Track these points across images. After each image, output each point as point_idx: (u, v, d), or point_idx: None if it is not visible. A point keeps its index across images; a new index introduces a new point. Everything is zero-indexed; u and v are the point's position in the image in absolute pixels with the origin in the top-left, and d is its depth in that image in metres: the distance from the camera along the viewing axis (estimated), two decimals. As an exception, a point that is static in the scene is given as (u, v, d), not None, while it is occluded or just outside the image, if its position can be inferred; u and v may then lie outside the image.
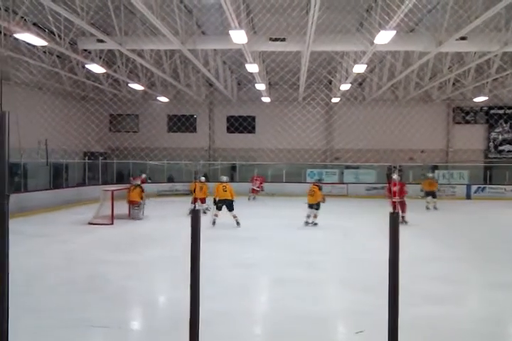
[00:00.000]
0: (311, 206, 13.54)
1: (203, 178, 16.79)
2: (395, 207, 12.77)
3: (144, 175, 19.95)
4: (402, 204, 13.58)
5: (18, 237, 9.50)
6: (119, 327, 5.27)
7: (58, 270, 7.96)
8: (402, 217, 13.25)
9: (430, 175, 19.63)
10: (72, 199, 18.56)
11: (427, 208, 18.29)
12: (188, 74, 23.38)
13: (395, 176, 14.44)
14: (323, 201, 13.54)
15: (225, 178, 14.06)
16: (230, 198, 13.19)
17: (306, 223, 13.62)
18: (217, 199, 13.32)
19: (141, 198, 14.98)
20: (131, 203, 14.93)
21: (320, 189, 13.63)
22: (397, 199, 13.01)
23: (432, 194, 18.37)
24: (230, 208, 13.23)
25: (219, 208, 13.27)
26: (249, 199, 21.87)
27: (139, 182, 15.39)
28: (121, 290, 6.80)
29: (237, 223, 13.24)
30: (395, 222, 3.32)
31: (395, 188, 13.77)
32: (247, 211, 15.35)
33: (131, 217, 14.82)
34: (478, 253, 9.78)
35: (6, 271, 3.44)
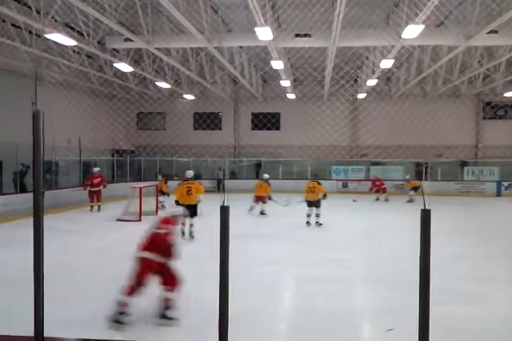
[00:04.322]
0: (310, 204, 12.86)
1: (266, 176, 16.23)
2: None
3: (96, 169, 17.07)
4: None
5: (51, 233, 9.69)
6: (150, 321, 5.36)
7: (91, 265, 8.13)
8: None
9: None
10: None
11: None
12: (213, 71, 23.48)
13: None
14: (325, 197, 12.79)
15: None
16: (193, 203, 10.79)
17: (308, 223, 12.90)
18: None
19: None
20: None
21: (319, 184, 13.01)
22: None
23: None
24: (193, 214, 10.67)
25: (191, 215, 10.46)
26: (378, 199, 21.30)
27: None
28: (150, 286, 6.88)
29: (191, 234, 10.63)
30: (426, 219, 3.26)
31: None
32: (268, 208, 15.35)
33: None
34: (507, 252, 9.55)
35: (41, 266, 3.54)
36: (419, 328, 3.20)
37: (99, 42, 15.95)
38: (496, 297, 6.60)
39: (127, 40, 15.41)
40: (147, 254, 5.37)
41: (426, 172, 24.88)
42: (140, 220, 13.68)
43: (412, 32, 12.26)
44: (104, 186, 16.77)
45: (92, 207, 16.35)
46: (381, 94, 26.69)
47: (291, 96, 25.70)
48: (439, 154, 26.68)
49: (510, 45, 16.08)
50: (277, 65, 17.19)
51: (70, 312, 5.54)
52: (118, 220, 13.78)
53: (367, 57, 19.55)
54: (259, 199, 15.20)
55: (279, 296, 6.67)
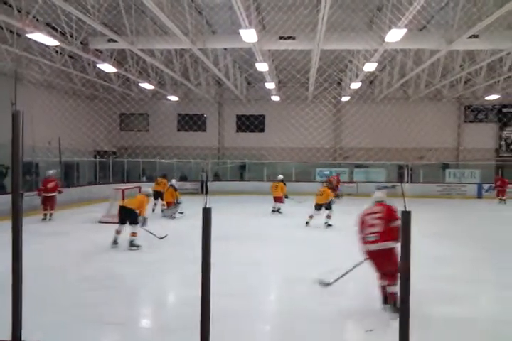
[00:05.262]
0: (319, 207, 13.15)
1: (280, 176, 16.32)
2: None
3: (51, 172, 14.84)
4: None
5: (32, 235, 9.56)
6: (132, 323, 5.32)
7: (73, 267, 8.03)
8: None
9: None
10: (83, 198, 18.68)
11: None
12: (197, 73, 23.43)
13: None
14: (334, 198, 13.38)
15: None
16: (131, 207, 9.78)
17: (307, 223, 13.19)
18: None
19: (175, 198, 15.12)
20: (167, 204, 15.01)
21: (329, 189, 13.59)
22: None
23: None
24: (132, 221, 9.71)
25: (121, 221, 9.83)
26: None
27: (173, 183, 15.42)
28: (134, 287, 6.84)
29: (131, 243, 9.58)
30: (406, 221, 3.30)
31: None
32: (254, 209, 15.39)
33: (163, 215, 14.90)
34: (490, 253, 9.69)
35: (20, 269, 3.48)
36: (400, 328, 3.23)
37: (81, 43, 15.79)
38: (484, 297, 6.70)
39: (110, 40, 15.30)
40: (390, 243, 5.42)
41: (408, 175, 25.16)
42: (122, 222, 13.55)
43: (394, 36, 12.41)
44: (60, 192, 14.49)
45: (45, 215, 13.99)
46: (364, 96, 26.91)
47: (275, 98, 25.77)
48: (421, 156, 27.00)
49: (491, 50, 16.37)
50: (262, 67, 17.23)
51: (50, 315, 5.46)
52: (100, 222, 13.63)
53: (350, 61, 19.72)
54: (277, 199, 15.88)
55: (264, 297, 6.66)
